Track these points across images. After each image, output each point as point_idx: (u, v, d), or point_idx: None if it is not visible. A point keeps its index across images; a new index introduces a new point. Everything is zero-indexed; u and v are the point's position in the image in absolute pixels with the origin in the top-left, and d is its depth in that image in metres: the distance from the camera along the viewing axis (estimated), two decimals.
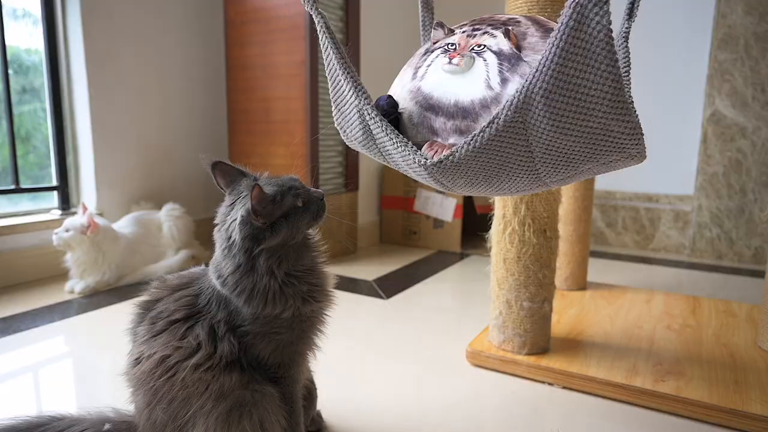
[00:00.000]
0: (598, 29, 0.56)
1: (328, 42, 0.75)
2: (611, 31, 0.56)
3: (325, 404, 0.99)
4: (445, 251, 2.42)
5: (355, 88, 0.73)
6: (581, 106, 0.59)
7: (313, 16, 0.76)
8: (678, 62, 2.41)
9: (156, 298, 0.73)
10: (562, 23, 0.57)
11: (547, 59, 0.59)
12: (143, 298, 0.74)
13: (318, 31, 0.76)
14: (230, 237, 0.68)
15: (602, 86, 0.58)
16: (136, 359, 0.69)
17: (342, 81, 0.75)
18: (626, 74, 0.74)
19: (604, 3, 0.55)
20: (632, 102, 0.71)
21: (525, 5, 1.05)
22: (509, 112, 0.61)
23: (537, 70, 0.59)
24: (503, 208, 1.14)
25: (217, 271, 0.70)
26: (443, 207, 2.40)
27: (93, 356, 1.23)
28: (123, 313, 1.51)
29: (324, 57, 0.78)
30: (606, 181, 2.59)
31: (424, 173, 0.69)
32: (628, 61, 0.75)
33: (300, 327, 0.71)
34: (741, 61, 2.24)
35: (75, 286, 1.68)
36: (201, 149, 2.33)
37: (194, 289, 0.73)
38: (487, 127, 0.62)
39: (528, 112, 0.61)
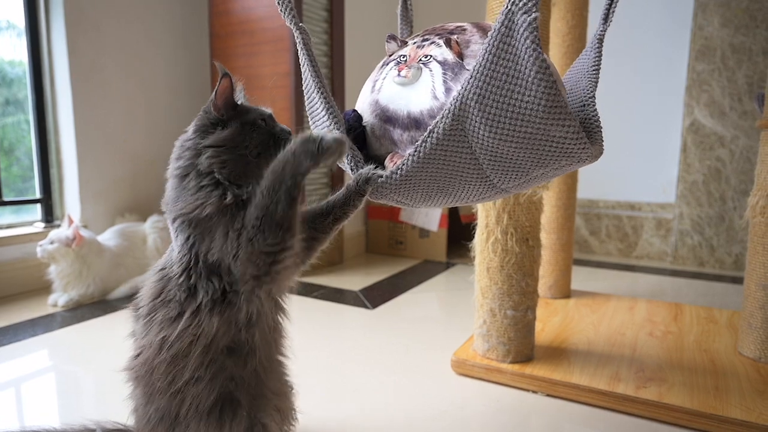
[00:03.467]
0: (525, 35, 0.57)
1: (305, 59, 0.76)
2: (537, 37, 0.57)
3: (310, 414, 0.99)
4: (431, 260, 2.43)
5: (328, 109, 0.74)
6: (516, 112, 0.60)
7: (293, 32, 0.77)
8: (657, 73, 2.46)
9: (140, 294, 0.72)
10: (494, 29, 0.59)
11: (480, 65, 0.60)
12: (134, 301, 0.73)
13: (297, 46, 0.78)
14: (186, 138, 0.67)
15: (534, 92, 0.58)
16: (137, 354, 0.68)
17: (316, 99, 0.77)
18: (593, 72, 0.75)
19: (534, 11, 0.57)
20: (592, 101, 0.71)
21: None
22: (447, 120, 0.62)
23: (471, 76, 0.60)
24: (486, 218, 1.16)
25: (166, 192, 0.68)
26: (429, 216, 2.42)
27: (76, 370, 1.21)
28: (107, 327, 1.49)
29: (302, 72, 0.79)
30: (589, 190, 2.63)
31: (376, 194, 0.70)
32: (598, 61, 0.76)
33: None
34: (718, 71, 2.29)
35: (58, 299, 1.66)
36: None
37: (164, 269, 0.69)
38: (428, 136, 0.63)
39: (465, 119, 0.62)
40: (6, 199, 1.84)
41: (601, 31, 0.74)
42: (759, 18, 2.20)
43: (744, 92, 2.26)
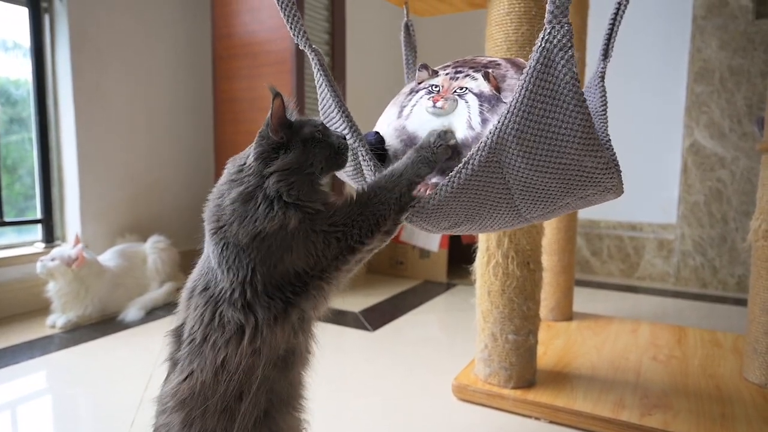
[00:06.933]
0: (564, 72, 0.59)
1: (323, 80, 0.77)
2: (576, 73, 0.59)
3: None
4: (432, 281, 2.42)
5: (350, 128, 0.75)
6: (553, 144, 0.61)
7: (308, 54, 0.78)
8: (657, 94, 2.47)
9: (183, 320, 0.70)
10: (530, 66, 0.60)
11: (517, 101, 0.61)
12: (172, 327, 0.71)
13: (313, 68, 0.78)
14: (243, 163, 0.65)
15: (571, 125, 0.60)
16: (185, 377, 0.66)
17: (337, 118, 0.77)
18: (603, 112, 0.76)
19: (569, 47, 0.58)
20: (609, 139, 0.72)
21: (504, 44, 1.08)
22: (484, 152, 0.63)
23: (508, 111, 0.61)
24: (487, 241, 1.15)
25: (215, 215, 0.66)
26: (429, 237, 2.41)
27: (73, 393, 1.20)
28: (105, 349, 1.48)
29: (318, 93, 0.80)
30: (590, 210, 2.63)
31: (405, 219, 0.70)
32: (605, 99, 0.77)
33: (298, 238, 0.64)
34: (717, 93, 2.31)
35: (57, 320, 1.65)
36: (188, 181, 2.33)
37: (207, 289, 0.68)
38: (463, 167, 0.64)
39: (502, 151, 0.63)
40: (7, 219, 1.84)
41: (602, 68, 0.75)
42: (757, 41, 2.22)
43: (743, 114, 2.27)
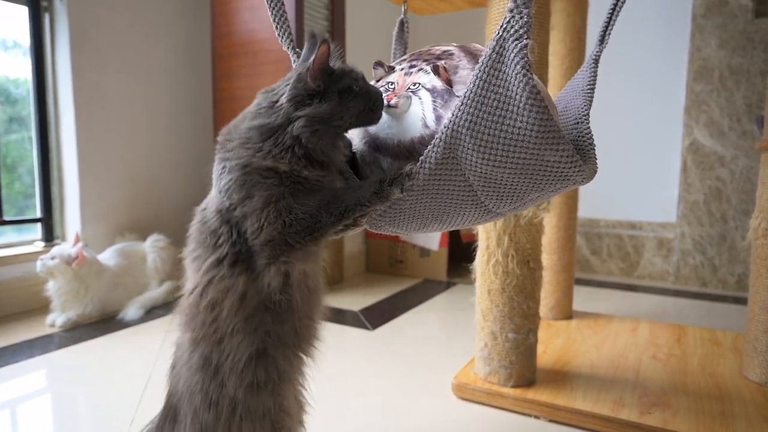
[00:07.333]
0: (515, 61, 0.57)
1: None
2: (528, 63, 0.57)
3: None
4: (432, 280, 2.42)
5: None
6: (508, 139, 0.59)
7: (290, 57, 0.78)
8: (657, 93, 2.47)
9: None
10: (484, 55, 0.58)
11: (470, 92, 0.59)
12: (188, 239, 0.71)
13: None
14: (276, 99, 0.64)
15: (526, 118, 0.58)
16: (187, 295, 0.67)
17: None
18: (589, 91, 0.74)
19: (525, 37, 0.57)
20: (585, 114, 0.71)
21: None
22: (439, 149, 0.61)
23: (462, 103, 0.60)
24: (487, 240, 1.15)
25: (229, 134, 0.66)
26: (429, 236, 2.41)
27: (73, 392, 1.20)
28: (105, 348, 1.48)
29: None
30: (589, 209, 2.63)
31: (372, 225, 0.69)
32: (594, 81, 0.75)
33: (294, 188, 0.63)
34: (716, 92, 2.31)
35: (56, 319, 1.65)
36: (187, 180, 2.33)
37: (205, 209, 0.68)
38: (420, 166, 0.62)
39: (457, 147, 0.61)
40: (7, 217, 1.84)
41: (597, 51, 0.74)
42: (756, 40, 2.22)
43: (743, 113, 2.27)
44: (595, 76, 0.74)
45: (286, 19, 0.76)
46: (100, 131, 1.99)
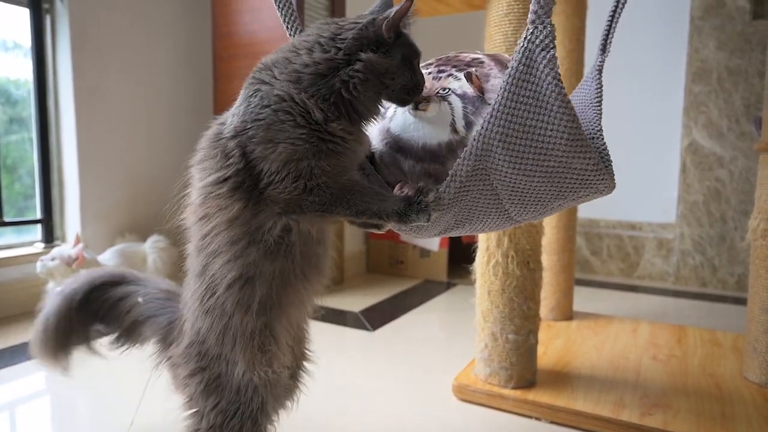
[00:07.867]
0: (546, 72, 0.57)
1: None
2: (558, 74, 0.58)
3: None
4: (432, 280, 2.42)
5: None
6: (539, 147, 0.60)
7: None
8: (656, 95, 2.48)
9: None
10: (511, 67, 0.59)
11: (499, 104, 0.60)
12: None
13: None
14: (339, 33, 0.62)
15: (557, 126, 0.59)
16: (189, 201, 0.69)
17: None
18: (597, 104, 0.75)
19: (551, 47, 0.57)
20: (600, 129, 0.71)
21: (503, 45, 1.08)
22: (470, 161, 0.62)
23: (491, 114, 0.60)
24: (486, 241, 1.15)
25: (274, 64, 0.63)
26: None
27: (72, 394, 1.20)
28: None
29: None
30: (589, 210, 2.63)
31: (397, 226, 0.69)
32: (600, 92, 0.76)
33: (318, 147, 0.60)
34: (715, 93, 2.31)
35: None
36: (188, 180, 2.33)
37: (222, 124, 0.67)
38: (451, 180, 0.62)
39: (488, 157, 0.61)
40: (7, 218, 1.84)
41: (600, 61, 0.74)
42: (754, 41, 2.22)
43: (741, 113, 2.27)
44: (601, 86, 0.75)
45: (296, 17, 0.76)
46: (101, 132, 1.99)
